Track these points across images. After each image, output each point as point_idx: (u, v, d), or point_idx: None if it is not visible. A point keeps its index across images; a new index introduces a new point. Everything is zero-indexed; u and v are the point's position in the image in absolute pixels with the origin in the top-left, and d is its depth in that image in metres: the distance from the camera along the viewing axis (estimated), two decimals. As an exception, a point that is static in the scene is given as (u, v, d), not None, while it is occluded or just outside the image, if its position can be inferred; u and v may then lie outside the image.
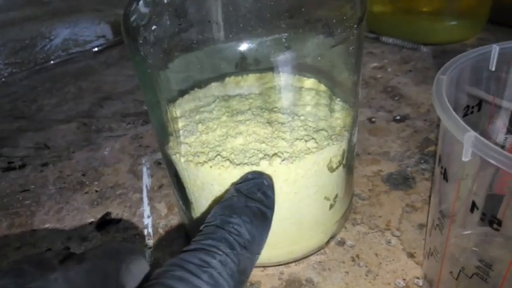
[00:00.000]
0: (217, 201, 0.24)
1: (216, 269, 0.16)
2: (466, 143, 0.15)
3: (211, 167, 0.23)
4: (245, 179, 0.21)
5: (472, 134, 0.15)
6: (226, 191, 0.23)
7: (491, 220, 0.16)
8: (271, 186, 0.21)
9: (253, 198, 0.19)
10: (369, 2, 0.60)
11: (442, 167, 0.18)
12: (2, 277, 0.13)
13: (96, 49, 0.63)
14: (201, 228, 0.18)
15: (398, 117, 0.41)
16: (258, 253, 0.18)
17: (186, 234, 0.31)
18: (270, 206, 0.20)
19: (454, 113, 0.16)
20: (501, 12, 0.57)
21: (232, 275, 0.16)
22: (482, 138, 0.14)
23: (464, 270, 0.18)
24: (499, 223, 0.15)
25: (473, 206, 0.16)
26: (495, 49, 0.21)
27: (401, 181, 0.33)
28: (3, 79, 0.58)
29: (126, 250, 0.16)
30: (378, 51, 0.56)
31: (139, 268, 0.16)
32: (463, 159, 0.15)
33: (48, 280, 0.13)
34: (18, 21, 0.75)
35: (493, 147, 0.14)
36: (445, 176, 0.18)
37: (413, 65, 0.51)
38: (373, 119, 0.41)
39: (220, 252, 0.16)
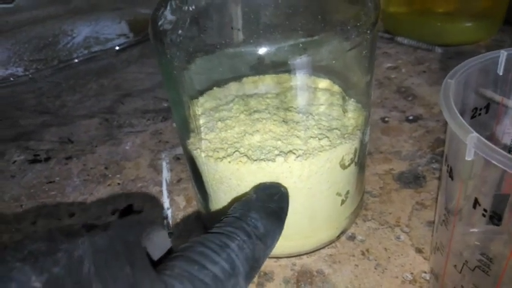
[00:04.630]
0: (234, 196, 0.25)
1: (234, 251, 0.17)
2: (469, 144, 0.16)
3: (229, 162, 0.24)
4: (264, 185, 0.23)
5: (475, 135, 0.16)
6: (243, 184, 0.25)
7: (491, 216, 0.17)
8: (286, 194, 0.23)
9: (270, 200, 0.22)
10: (384, 2, 0.61)
11: (448, 166, 0.19)
12: (36, 241, 0.14)
13: (117, 48, 0.65)
14: (221, 218, 0.20)
15: (411, 117, 0.42)
16: (271, 248, 0.20)
17: (203, 225, 0.32)
18: (284, 210, 0.22)
19: (459, 115, 0.17)
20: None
21: (247, 259, 0.18)
22: (484, 140, 0.16)
23: (468, 263, 0.20)
24: (499, 218, 0.16)
25: (476, 202, 0.17)
26: (503, 54, 0.22)
27: (412, 180, 0.34)
28: (29, 75, 0.60)
29: (147, 222, 0.17)
30: (393, 52, 0.57)
31: (159, 238, 0.17)
32: (466, 158, 0.16)
33: (76, 243, 0.14)
34: (41, 20, 0.77)
35: (494, 148, 0.15)
36: (450, 175, 0.19)
37: (428, 66, 0.52)
38: (386, 119, 0.42)
39: (238, 238, 0.18)
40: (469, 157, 0.16)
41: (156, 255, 0.17)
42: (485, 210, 0.17)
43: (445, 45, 0.55)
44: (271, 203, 0.21)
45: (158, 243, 0.17)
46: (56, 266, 0.13)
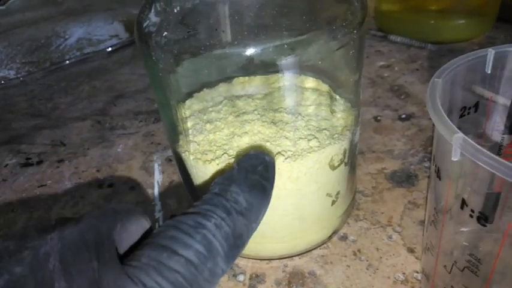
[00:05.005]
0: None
1: (210, 230, 0.16)
2: (455, 144, 0.16)
3: (218, 164, 0.24)
4: (247, 155, 0.21)
5: (460, 135, 0.16)
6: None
7: (479, 217, 0.17)
8: (272, 163, 0.21)
9: (253, 171, 0.20)
10: (377, 0, 0.61)
11: (436, 166, 0.19)
12: (7, 240, 0.14)
13: (109, 49, 0.65)
14: (201, 196, 0.18)
15: (403, 116, 0.42)
16: (256, 222, 0.18)
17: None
18: (270, 180, 0.20)
19: (444, 115, 0.17)
20: (511, 10, 0.57)
21: (226, 238, 0.16)
22: (469, 140, 0.15)
23: (457, 264, 0.19)
24: (486, 219, 0.16)
25: (463, 203, 0.17)
26: (491, 53, 0.21)
27: (404, 179, 0.34)
28: (21, 78, 0.60)
29: (123, 210, 0.17)
30: (386, 50, 0.56)
31: (137, 226, 0.17)
32: (453, 159, 0.16)
33: (45, 239, 0.14)
34: (34, 21, 0.77)
35: (479, 148, 0.15)
36: (438, 175, 0.19)
37: (421, 63, 0.52)
38: (378, 118, 0.42)
39: (215, 216, 0.17)
40: (455, 157, 0.16)
41: (132, 240, 0.16)
42: (472, 210, 0.17)
43: (438, 42, 0.55)
44: (254, 174, 0.19)
45: (134, 231, 0.17)
46: (18, 266, 0.13)
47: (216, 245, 0.16)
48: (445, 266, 0.20)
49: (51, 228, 0.15)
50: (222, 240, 0.16)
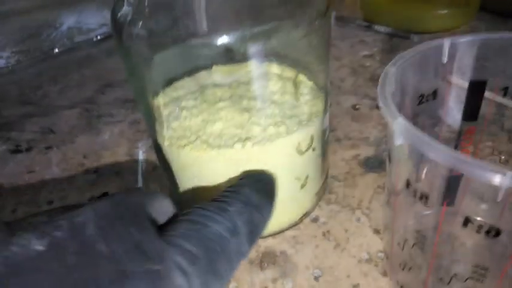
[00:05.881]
0: (197, 183, 0.27)
1: (233, 213, 0.18)
2: (396, 129, 0.17)
3: (190, 149, 0.25)
4: (252, 172, 0.24)
5: (401, 120, 0.17)
6: (205, 172, 0.26)
7: (420, 197, 0.18)
8: (273, 179, 0.23)
9: (259, 181, 0.22)
10: (362, -10, 0.62)
11: (388, 149, 0.21)
12: (35, 215, 0.15)
13: (98, 37, 0.66)
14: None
15: (382, 104, 0.43)
16: (267, 219, 0.20)
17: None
18: (273, 190, 0.22)
19: (391, 101, 0.18)
20: (493, 0, 0.58)
21: (246, 222, 0.18)
22: (409, 125, 0.17)
23: (408, 241, 0.21)
24: (427, 198, 0.18)
25: (408, 184, 0.19)
26: (447, 42, 0.23)
27: (376, 164, 0.35)
28: (10, 67, 0.61)
29: (149, 192, 0.18)
30: (370, 40, 0.57)
31: (162, 205, 0.18)
32: (395, 143, 0.17)
33: (78, 211, 0.14)
34: (26, 10, 0.77)
35: (417, 133, 0.16)
36: (389, 158, 0.20)
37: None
38: (357, 106, 0.43)
39: (236, 204, 0.18)
40: (397, 142, 0.17)
41: (160, 220, 0.17)
42: (415, 191, 0.18)
43: (422, 32, 0.56)
44: (260, 184, 0.22)
45: (161, 210, 0.18)
46: (57, 230, 0.14)
47: (239, 225, 0.18)
48: (398, 243, 0.22)
49: (78, 206, 0.15)
50: (243, 223, 0.18)
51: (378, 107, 0.41)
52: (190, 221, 0.17)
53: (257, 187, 0.21)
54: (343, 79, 0.48)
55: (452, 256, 0.20)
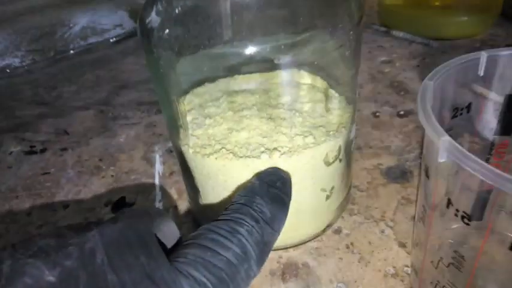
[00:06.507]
0: (221, 191, 0.26)
1: (244, 236, 0.17)
2: (442, 147, 0.16)
3: (216, 158, 0.25)
4: (266, 171, 0.23)
5: (447, 138, 0.16)
6: (230, 180, 0.25)
7: (463, 216, 0.17)
8: (289, 179, 0.23)
9: (273, 186, 0.21)
10: (380, -5, 0.61)
11: (425, 165, 0.20)
12: (45, 237, 0.14)
13: (113, 39, 0.65)
14: (227, 206, 0.20)
15: (402, 112, 0.42)
16: (278, 232, 0.20)
17: (193, 219, 0.33)
18: (288, 194, 0.22)
19: (433, 118, 0.17)
20: (514, 7, 0.57)
21: (257, 243, 0.18)
22: (455, 143, 0.16)
23: (443, 260, 0.20)
24: (469, 218, 0.17)
25: (449, 202, 0.18)
26: (483, 56, 0.22)
27: (399, 175, 0.35)
28: (25, 66, 0.60)
29: (155, 212, 0.18)
30: (388, 45, 0.57)
31: (169, 229, 0.17)
32: (439, 160, 0.17)
33: (86, 236, 0.14)
34: (39, 9, 0.77)
35: (463, 151, 0.16)
36: (426, 174, 0.20)
37: (421, 60, 0.52)
38: (377, 114, 0.43)
39: (246, 223, 0.18)
40: (441, 159, 0.17)
41: (167, 244, 0.17)
42: (457, 210, 0.18)
43: (441, 38, 0.55)
44: (274, 188, 0.21)
45: (168, 234, 0.17)
46: (68, 259, 0.13)
47: (249, 249, 0.17)
48: (432, 261, 0.21)
49: (86, 228, 0.15)
50: (254, 245, 0.18)
51: (399, 115, 0.41)
52: (200, 247, 0.17)
53: (271, 195, 0.21)
54: (362, 85, 0.48)
55: (492, 277, 0.20)
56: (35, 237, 0.15)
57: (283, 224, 0.21)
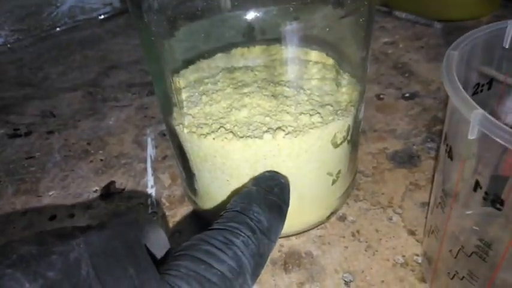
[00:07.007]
0: (219, 175, 0.24)
1: (239, 247, 0.17)
2: (473, 121, 0.14)
3: (214, 138, 0.22)
4: (263, 175, 0.22)
5: (480, 111, 0.14)
6: (229, 163, 0.23)
7: (493, 200, 0.15)
8: (287, 185, 0.22)
9: (271, 192, 0.20)
10: (382, -26, 0.58)
11: (447, 145, 0.18)
12: (26, 243, 0.13)
13: (102, 17, 0.62)
14: (221, 213, 0.19)
15: (407, 95, 0.41)
16: (274, 242, 0.19)
17: (192, 209, 0.31)
18: (286, 202, 0.21)
19: (462, 90, 0.15)
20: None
21: (252, 255, 0.17)
22: (490, 117, 0.14)
23: (464, 249, 0.18)
24: (502, 203, 0.15)
25: (477, 185, 0.16)
26: (511, 25, 0.20)
27: (406, 159, 0.33)
28: (8, 45, 0.57)
29: (144, 220, 0.17)
30: (390, 26, 0.55)
31: (158, 237, 0.17)
32: (469, 137, 0.15)
33: (70, 245, 0.13)
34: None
35: (501, 126, 0.14)
36: (450, 155, 0.18)
37: (426, 41, 0.50)
38: (381, 96, 0.41)
39: (242, 234, 0.17)
40: (472, 135, 0.15)
41: (156, 255, 0.16)
42: (486, 193, 0.16)
43: (445, 20, 0.53)
44: (271, 195, 0.20)
45: (157, 242, 0.17)
46: (50, 270, 0.12)
47: (245, 262, 0.17)
48: (450, 250, 0.19)
49: (71, 235, 0.14)
50: (249, 257, 0.17)
51: (404, 97, 0.39)
52: (193, 259, 0.16)
53: (268, 202, 0.20)
54: (364, 67, 0.46)
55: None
56: (14, 242, 0.13)
57: (280, 233, 0.20)
